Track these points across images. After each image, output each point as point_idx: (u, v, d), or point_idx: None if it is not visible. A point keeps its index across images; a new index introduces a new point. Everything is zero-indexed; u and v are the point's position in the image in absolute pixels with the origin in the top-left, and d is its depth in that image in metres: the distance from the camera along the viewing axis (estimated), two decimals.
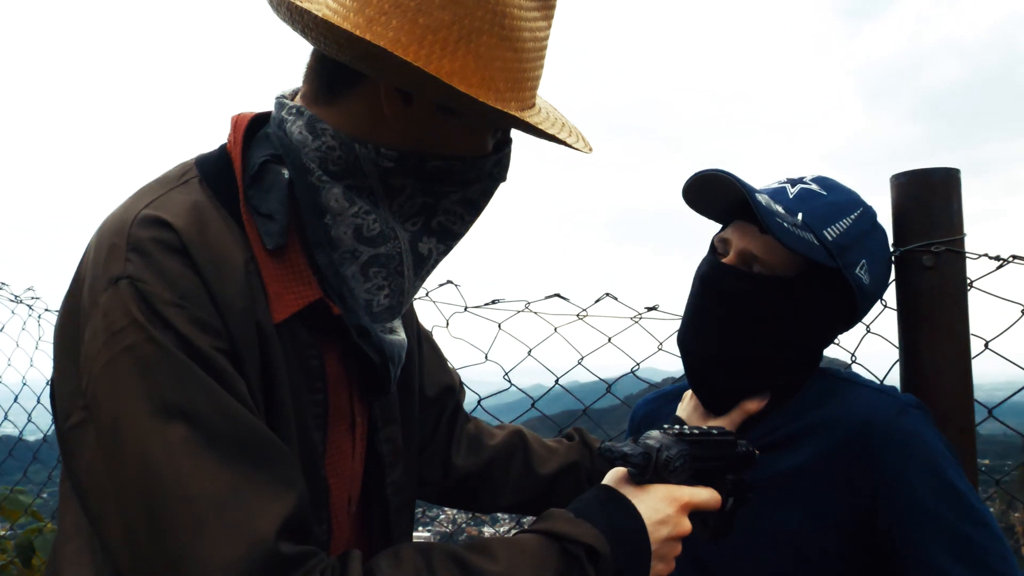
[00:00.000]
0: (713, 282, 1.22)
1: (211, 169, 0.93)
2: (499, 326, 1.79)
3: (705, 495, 1.01)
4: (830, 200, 1.21)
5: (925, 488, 1.08)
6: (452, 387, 1.37)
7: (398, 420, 1.13)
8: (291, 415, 0.89)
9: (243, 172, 0.93)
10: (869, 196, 1.34)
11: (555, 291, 1.72)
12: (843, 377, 1.26)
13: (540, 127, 0.91)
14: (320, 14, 0.82)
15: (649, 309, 1.69)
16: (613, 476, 1.01)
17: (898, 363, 1.38)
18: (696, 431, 1.04)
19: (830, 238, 1.16)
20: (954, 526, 1.06)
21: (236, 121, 0.98)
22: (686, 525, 0.97)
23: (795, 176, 1.26)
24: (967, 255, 1.32)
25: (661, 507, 0.96)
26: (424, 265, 1.01)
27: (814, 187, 1.23)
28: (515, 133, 1.01)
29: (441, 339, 1.84)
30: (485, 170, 0.97)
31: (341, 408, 1.00)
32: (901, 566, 1.09)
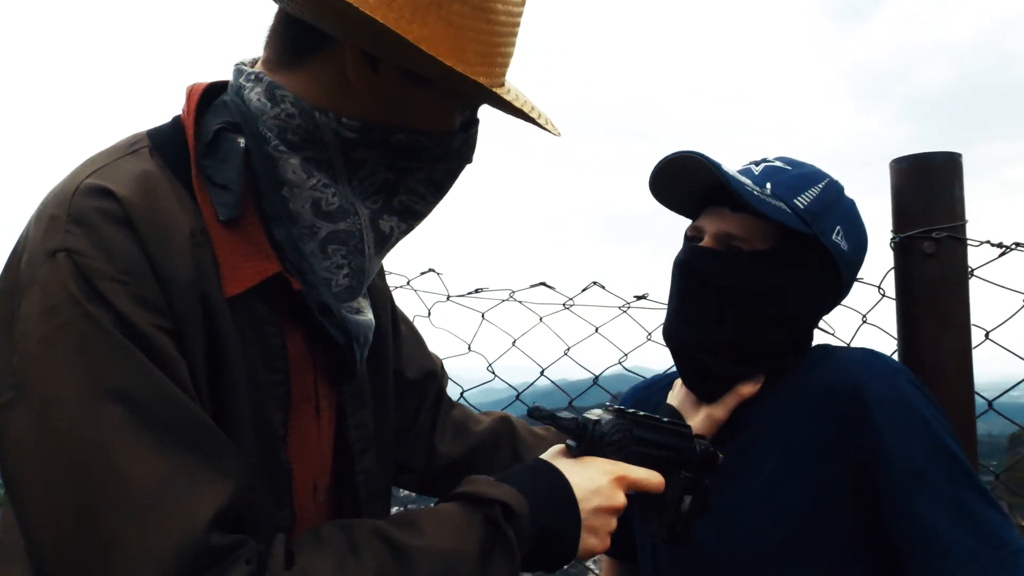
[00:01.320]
0: (692, 267, 1.19)
1: (163, 139, 0.88)
2: (483, 316, 1.73)
3: (644, 474, 0.97)
4: (796, 173, 1.20)
5: (920, 450, 1.05)
6: (434, 371, 1.32)
7: (369, 405, 1.08)
8: (244, 394, 0.85)
9: (197, 141, 0.88)
10: (861, 196, 1.32)
11: (540, 280, 1.67)
12: (829, 346, 1.22)
13: (521, 106, 0.87)
14: None
15: (638, 298, 1.64)
16: (550, 451, 0.98)
17: (896, 353, 1.34)
18: (642, 414, 1.01)
19: (801, 206, 1.15)
20: (951, 489, 1.03)
21: (190, 90, 0.93)
22: (619, 498, 0.94)
23: (759, 158, 1.25)
24: (969, 242, 1.27)
25: (593, 476, 0.93)
26: (386, 244, 0.97)
27: (778, 164, 1.22)
28: (486, 115, 0.97)
29: (423, 329, 1.78)
30: (452, 148, 0.93)
31: (305, 391, 0.95)
32: (900, 530, 1.05)
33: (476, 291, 1.72)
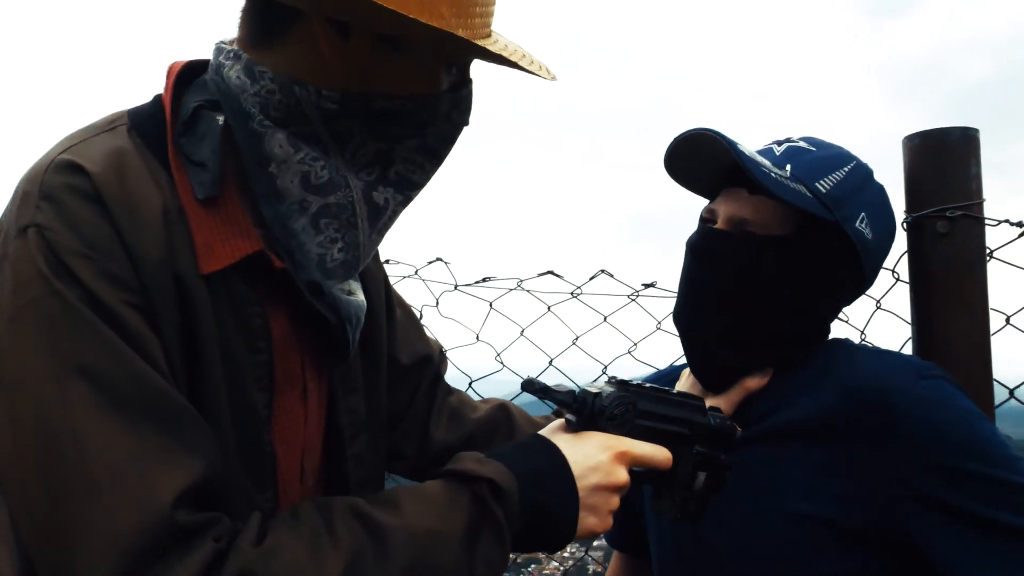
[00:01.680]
0: (705, 249, 1.14)
1: (143, 117, 0.87)
2: (490, 305, 1.71)
3: (649, 449, 0.93)
4: (820, 155, 1.14)
5: (962, 451, 0.99)
6: (430, 356, 1.29)
7: (361, 389, 1.06)
8: (220, 373, 0.83)
9: (175, 119, 0.87)
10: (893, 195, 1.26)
11: (548, 268, 1.63)
12: (847, 343, 1.16)
13: (491, 50, 0.83)
14: None
15: (646, 286, 1.60)
16: (549, 427, 0.95)
17: (910, 340, 1.28)
18: (648, 385, 0.96)
19: (823, 190, 1.09)
20: (998, 478, 0.97)
21: (170, 68, 0.92)
22: (621, 475, 0.90)
23: (782, 138, 1.19)
24: (986, 221, 1.21)
25: (592, 453, 0.90)
26: (380, 216, 0.94)
27: (802, 144, 1.16)
28: (480, 75, 0.94)
29: (431, 319, 1.77)
30: (440, 111, 0.90)
31: (291, 372, 0.94)
32: (937, 536, 0.99)
33: (484, 280, 1.70)
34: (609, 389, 0.94)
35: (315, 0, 0.80)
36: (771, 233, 1.10)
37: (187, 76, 0.92)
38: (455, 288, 1.74)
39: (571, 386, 0.96)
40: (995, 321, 1.28)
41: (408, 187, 0.94)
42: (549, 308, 1.67)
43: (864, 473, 1.03)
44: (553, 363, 1.71)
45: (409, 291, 1.72)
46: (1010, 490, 0.97)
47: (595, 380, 1.69)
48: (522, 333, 1.71)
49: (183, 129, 0.86)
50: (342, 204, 0.90)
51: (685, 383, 1.25)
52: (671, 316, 1.22)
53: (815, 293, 1.11)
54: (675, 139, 1.12)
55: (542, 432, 0.94)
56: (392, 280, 1.64)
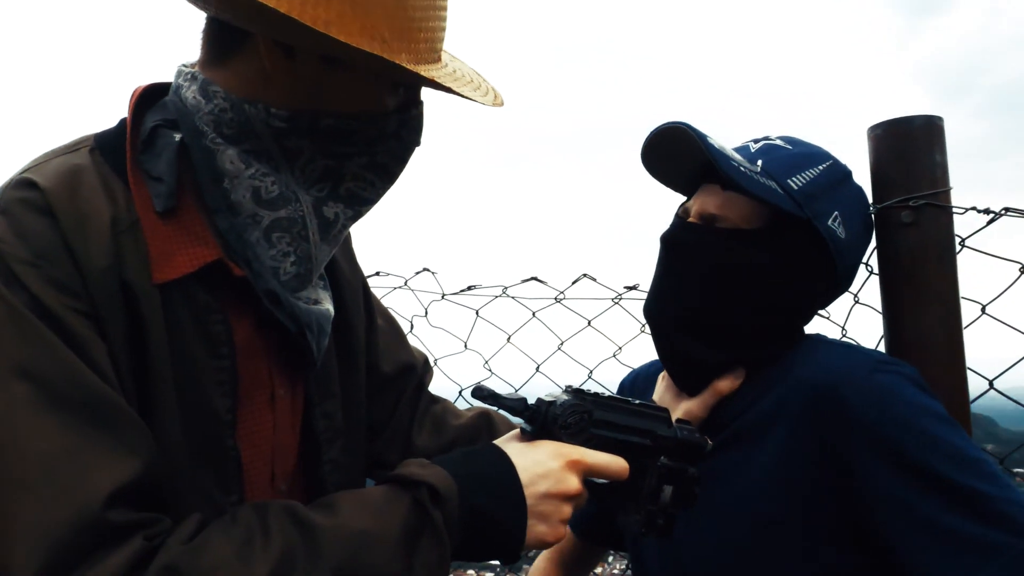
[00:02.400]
0: (675, 241, 1.15)
1: (107, 138, 0.92)
2: (477, 312, 1.72)
3: (603, 458, 0.92)
4: (794, 152, 1.13)
5: (911, 446, 0.96)
6: (412, 365, 1.30)
7: (338, 396, 1.08)
8: (170, 377, 0.85)
9: (134, 138, 0.91)
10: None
11: (532, 275, 1.64)
12: (816, 340, 1.15)
13: (432, 79, 0.86)
14: None
15: (629, 288, 1.59)
16: (506, 436, 0.95)
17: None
18: (607, 395, 0.95)
19: (795, 187, 1.08)
20: (957, 482, 0.94)
21: (134, 92, 0.96)
22: (571, 483, 0.89)
23: (760, 136, 1.19)
24: (953, 209, 1.19)
25: (543, 460, 0.89)
26: (331, 230, 0.96)
27: (778, 142, 1.16)
28: (433, 96, 0.96)
29: (421, 328, 1.78)
30: (388, 130, 0.92)
31: (257, 378, 0.96)
32: (904, 541, 0.96)
33: (469, 288, 1.71)
34: (563, 397, 0.93)
35: (259, 22, 0.83)
36: (742, 227, 1.10)
37: (150, 98, 0.95)
38: (442, 297, 1.75)
39: (559, 392, 0.95)
40: (972, 311, 1.25)
41: (358, 203, 0.97)
42: (534, 314, 1.68)
43: (823, 470, 1.02)
44: (540, 369, 1.71)
45: (399, 302, 1.74)
46: (960, 493, 0.94)
47: (582, 384, 1.69)
48: (508, 340, 1.71)
49: (143, 147, 0.90)
50: (292, 218, 0.92)
51: (660, 385, 1.25)
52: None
53: (783, 289, 1.10)
54: (649, 134, 1.13)
55: (497, 441, 0.94)
56: (382, 291, 1.66)
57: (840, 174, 1.14)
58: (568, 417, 0.91)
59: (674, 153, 1.14)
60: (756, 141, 1.17)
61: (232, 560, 0.75)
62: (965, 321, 1.21)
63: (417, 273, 1.76)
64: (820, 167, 1.12)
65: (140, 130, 0.91)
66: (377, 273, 1.75)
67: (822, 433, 1.02)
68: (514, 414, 0.92)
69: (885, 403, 0.99)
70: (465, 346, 1.73)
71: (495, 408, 0.96)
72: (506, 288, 1.69)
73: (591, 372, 1.66)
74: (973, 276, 1.22)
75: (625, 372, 1.50)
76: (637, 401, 0.98)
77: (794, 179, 1.09)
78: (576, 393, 0.94)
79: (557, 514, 0.89)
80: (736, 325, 1.11)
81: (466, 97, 0.90)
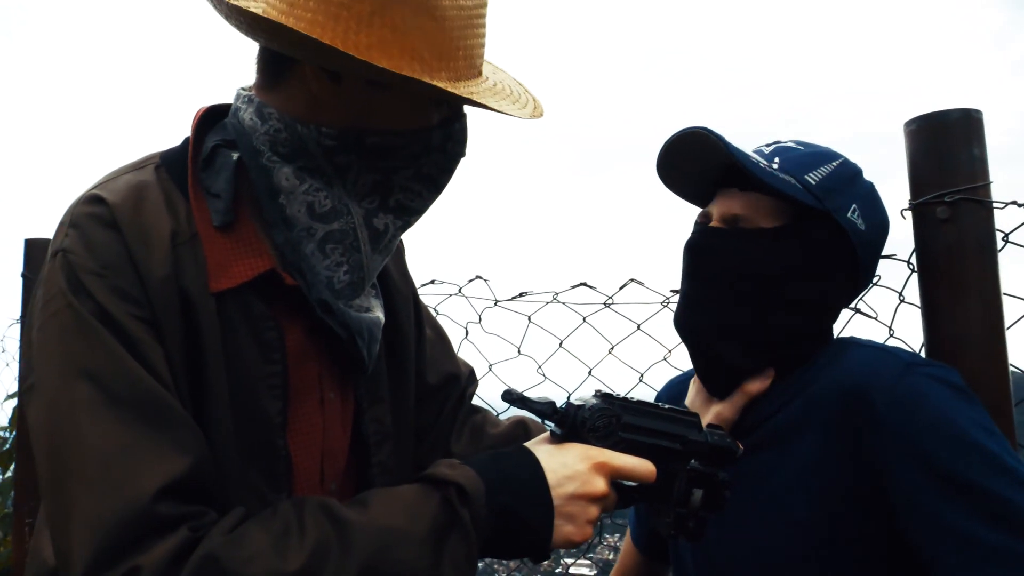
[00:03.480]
0: (697, 247, 1.16)
1: (172, 156, 0.99)
2: (529, 319, 1.75)
3: (631, 461, 0.93)
4: (807, 151, 1.15)
5: (944, 452, 0.94)
6: (457, 376, 1.34)
7: (387, 400, 1.13)
8: (223, 381, 0.91)
9: (196, 156, 0.98)
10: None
11: (581, 280, 1.66)
12: (849, 341, 1.14)
13: (470, 96, 0.90)
14: (245, 6, 0.86)
15: (676, 292, 1.59)
16: (536, 439, 0.97)
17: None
18: (636, 400, 0.96)
19: (813, 181, 1.10)
20: (987, 489, 0.92)
21: (196, 113, 1.04)
22: (598, 485, 0.91)
23: (771, 141, 1.20)
24: (993, 204, 1.16)
25: (570, 462, 0.91)
26: (381, 240, 1.02)
27: (790, 144, 1.17)
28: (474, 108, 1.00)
29: (475, 335, 1.82)
30: (432, 144, 0.97)
31: (307, 382, 1.01)
32: (927, 545, 0.95)
33: (520, 295, 1.74)
34: (592, 401, 0.95)
35: (304, 51, 0.89)
36: (764, 226, 1.11)
37: (211, 118, 1.03)
38: (495, 304, 1.79)
39: (588, 396, 0.97)
40: (1018, 309, 1.21)
41: (407, 213, 1.02)
42: (584, 319, 1.70)
43: (853, 474, 1.01)
44: (592, 373, 1.73)
45: (454, 309, 1.79)
46: (988, 501, 0.91)
47: (631, 389, 1.70)
48: (560, 345, 1.74)
49: (203, 165, 0.98)
50: (345, 230, 0.98)
51: (690, 392, 1.25)
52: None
53: (811, 285, 1.10)
54: (667, 140, 1.14)
55: (527, 444, 0.97)
56: (437, 299, 1.72)
57: (852, 171, 1.14)
58: (596, 421, 0.93)
59: (690, 160, 1.15)
60: (768, 145, 1.18)
61: (268, 551, 0.79)
62: (1010, 319, 1.17)
63: (470, 281, 1.81)
64: (833, 164, 1.13)
65: (201, 149, 0.99)
66: (432, 281, 1.81)
67: (853, 437, 1.01)
68: (543, 417, 0.94)
69: (914, 406, 0.97)
70: (519, 351, 1.77)
71: (529, 415, 0.99)
72: (556, 294, 1.72)
73: (642, 376, 1.67)
74: (1019, 272, 1.18)
75: (674, 374, 1.51)
76: (667, 406, 0.99)
77: (811, 175, 1.10)
78: (605, 397, 0.96)
79: (584, 515, 0.91)
80: (769, 326, 1.11)
81: (501, 112, 0.93)
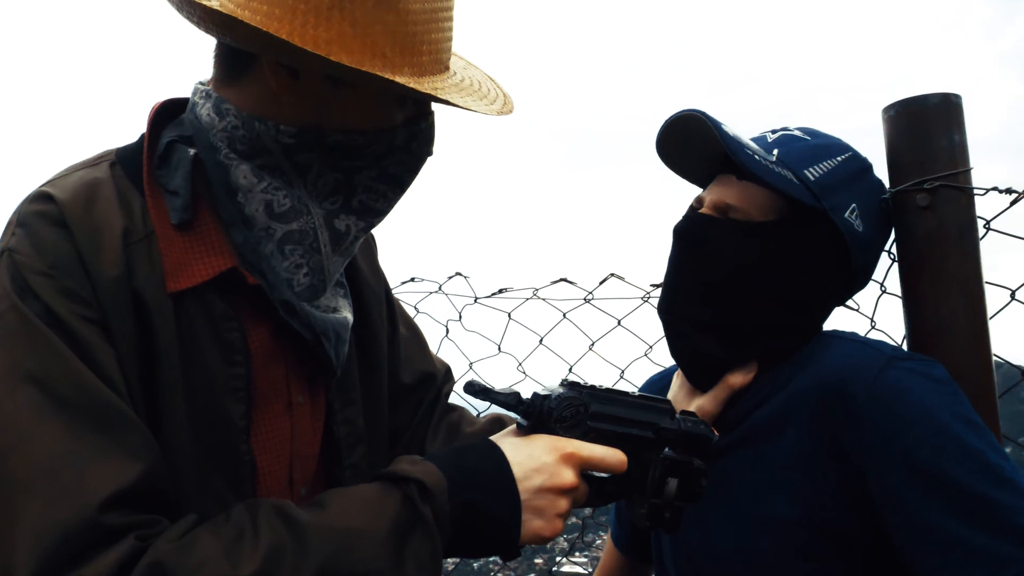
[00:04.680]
0: (687, 234, 1.12)
1: (128, 153, 0.96)
2: (509, 315, 1.72)
3: (599, 451, 0.91)
4: (813, 143, 1.10)
5: (926, 449, 0.92)
6: (433, 374, 1.31)
7: (359, 402, 1.10)
8: (180, 384, 0.88)
9: (151, 152, 0.94)
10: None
11: (561, 276, 1.64)
12: (831, 335, 1.11)
13: (433, 92, 0.87)
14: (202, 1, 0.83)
15: (656, 286, 1.57)
16: (503, 432, 0.94)
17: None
18: (605, 387, 0.94)
19: (811, 177, 1.05)
20: (968, 488, 0.90)
21: (152, 108, 1.00)
22: (566, 477, 0.88)
23: (779, 127, 1.16)
24: (973, 191, 1.13)
25: (537, 454, 0.88)
26: (343, 242, 0.98)
27: (797, 132, 1.13)
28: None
29: (456, 333, 1.80)
30: (397, 143, 0.94)
31: (274, 385, 0.98)
32: (912, 546, 0.92)
33: (500, 291, 1.72)
34: (559, 390, 0.93)
35: (260, 46, 0.86)
36: (754, 219, 1.07)
37: (168, 113, 0.99)
38: (475, 301, 1.77)
39: (555, 386, 0.95)
40: (1001, 298, 1.19)
41: (371, 215, 0.98)
42: (564, 315, 1.67)
43: (834, 471, 0.98)
44: (572, 370, 1.70)
45: (434, 307, 1.76)
46: (970, 500, 0.89)
47: (615, 384, 1.67)
48: (540, 342, 1.71)
49: (159, 162, 0.94)
50: (304, 231, 0.95)
51: (673, 385, 1.23)
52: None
53: (798, 283, 1.07)
54: (664, 123, 1.11)
55: (493, 436, 0.94)
56: (417, 297, 1.69)
57: (859, 167, 1.10)
58: (564, 411, 0.90)
59: (690, 142, 1.12)
60: (774, 132, 1.14)
61: (218, 557, 0.76)
62: (993, 308, 1.15)
63: (450, 278, 1.78)
64: (839, 158, 1.09)
65: (157, 145, 0.95)
66: (412, 279, 1.78)
67: (833, 433, 0.99)
68: (508, 409, 0.92)
69: (894, 401, 0.95)
70: (499, 349, 1.74)
71: (508, 413, 0.96)
72: (537, 290, 1.70)
73: (623, 372, 1.65)
74: (1002, 261, 1.16)
75: (656, 370, 1.48)
76: (638, 393, 0.97)
77: (811, 170, 1.06)
78: (572, 386, 0.93)
79: (553, 508, 0.89)
80: (750, 321, 1.08)
81: (466, 108, 0.91)
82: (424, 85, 0.87)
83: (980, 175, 1.14)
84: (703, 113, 1.05)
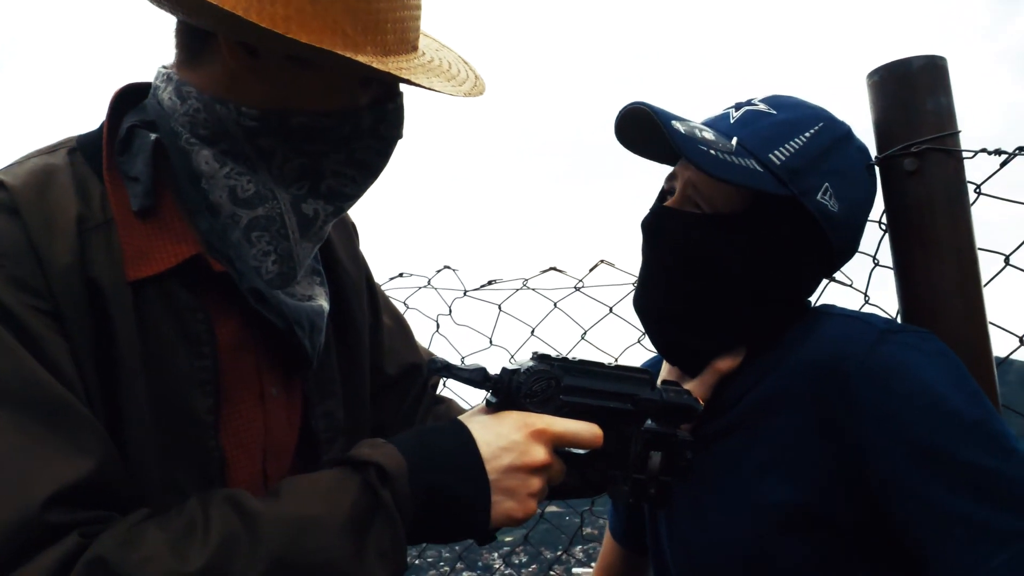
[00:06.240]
0: (654, 229, 1.08)
1: (88, 140, 0.93)
2: (499, 307, 1.70)
3: (572, 426, 0.87)
4: (780, 119, 1.03)
5: (923, 424, 0.88)
6: (419, 366, 1.28)
7: (338, 395, 1.06)
8: (141, 377, 0.85)
9: (112, 138, 0.92)
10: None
11: (551, 265, 1.61)
12: (822, 311, 1.07)
13: (397, 72, 0.84)
14: None
15: None
16: (471, 411, 0.92)
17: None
18: (577, 359, 0.90)
19: (777, 161, 0.99)
20: (970, 462, 0.86)
21: (114, 92, 0.97)
22: (537, 454, 0.85)
23: (744, 100, 1.09)
24: (962, 153, 1.09)
25: (506, 432, 0.85)
26: (311, 226, 0.95)
27: (762, 107, 1.06)
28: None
29: (447, 327, 1.77)
30: (363, 126, 0.91)
31: (244, 377, 0.95)
32: (914, 525, 0.89)
33: (489, 283, 1.69)
34: (530, 364, 0.89)
35: (214, 23, 0.83)
36: (721, 211, 1.02)
37: (130, 98, 0.97)
38: (464, 294, 1.74)
39: (525, 360, 0.92)
40: (995, 264, 1.15)
41: (340, 199, 0.95)
42: (555, 304, 1.64)
43: (829, 452, 0.95)
44: None
45: (423, 302, 1.74)
46: (973, 474, 0.85)
47: None
48: (532, 333, 1.69)
49: (120, 148, 0.91)
50: (271, 216, 0.92)
51: (665, 369, 1.20)
52: None
53: (774, 274, 1.03)
54: (616, 118, 1.07)
55: (461, 416, 0.91)
56: (406, 293, 1.66)
57: (831, 138, 1.03)
58: (533, 385, 0.87)
59: (645, 133, 1.07)
60: (738, 107, 1.07)
61: (165, 552, 0.74)
62: (987, 275, 1.11)
63: (439, 271, 1.76)
64: (807, 134, 1.02)
65: (118, 130, 0.92)
66: (400, 275, 1.76)
67: (827, 414, 0.95)
68: (474, 386, 0.88)
69: (889, 376, 0.91)
70: (490, 342, 1.71)
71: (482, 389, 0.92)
72: (526, 280, 1.67)
73: (616, 360, 1.61)
74: (995, 226, 1.12)
75: (648, 356, 1.45)
76: (614, 364, 0.93)
77: (777, 152, 1.00)
78: (542, 359, 0.89)
79: (524, 488, 0.85)
80: (726, 314, 1.04)
81: (431, 89, 0.87)
82: (388, 65, 0.84)
83: (969, 139, 1.10)
84: (650, 106, 0.99)
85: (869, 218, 1.11)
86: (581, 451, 0.89)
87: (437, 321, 1.78)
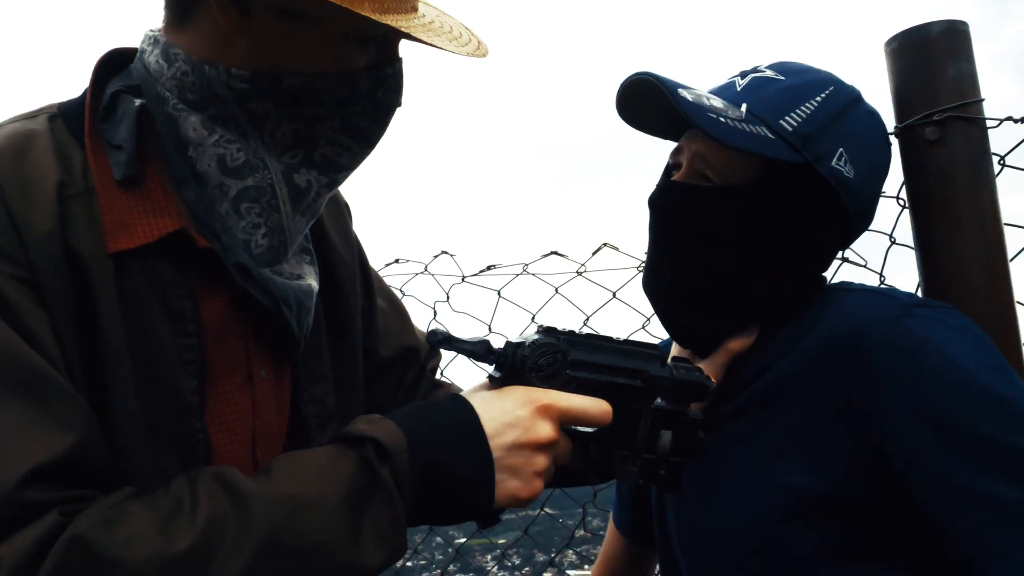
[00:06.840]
0: (662, 205, 1.03)
1: (71, 106, 0.89)
2: (498, 293, 1.65)
3: (579, 401, 0.83)
4: (788, 84, 0.99)
5: (949, 401, 0.83)
6: (415, 349, 1.23)
7: (328, 380, 1.02)
8: (125, 352, 0.81)
9: (94, 105, 0.87)
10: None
11: (552, 249, 1.57)
12: (841, 287, 1.02)
13: (398, 28, 0.79)
14: None
15: None
16: (474, 386, 0.88)
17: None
18: (585, 333, 0.86)
19: (789, 128, 0.95)
20: (1000, 441, 0.81)
21: (100, 57, 0.93)
22: (543, 431, 0.81)
23: (749, 68, 1.05)
24: (986, 121, 1.05)
25: (510, 408, 0.81)
26: (304, 198, 0.91)
27: (769, 73, 1.01)
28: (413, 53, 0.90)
29: (444, 314, 1.73)
30: (360, 90, 0.87)
31: (229, 358, 0.91)
32: (936, 506, 0.84)
33: (488, 268, 1.64)
34: (535, 337, 0.85)
35: None
36: (732, 182, 0.98)
37: (116, 63, 0.92)
38: (463, 280, 1.69)
39: (531, 333, 0.88)
40: (1021, 239, 1.11)
41: (334, 169, 0.91)
42: (556, 290, 1.60)
43: (849, 434, 0.90)
44: None
45: (420, 288, 1.69)
46: (1003, 453, 0.81)
47: None
48: (533, 319, 1.64)
49: (104, 114, 0.87)
50: (261, 187, 0.88)
51: (675, 350, 1.15)
52: None
53: (788, 247, 0.98)
54: (619, 89, 1.02)
55: (464, 392, 0.87)
56: (402, 279, 1.61)
57: (843, 102, 0.99)
58: (539, 359, 0.83)
59: (649, 105, 1.02)
60: (744, 75, 1.03)
61: (150, 531, 0.70)
62: (1014, 248, 1.07)
63: (435, 257, 1.71)
64: (818, 99, 0.98)
65: (102, 96, 0.88)
66: (396, 260, 1.71)
67: (847, 393, 0.90)
68: (477, 360, 0.84)
69: (913, 353, 0.86)
70: (489, 329, 1.67)
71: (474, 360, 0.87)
72: (526, 265, 1.62)
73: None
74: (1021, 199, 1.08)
75: (653, 342, 1.40)
76: (623, 339, 0.89)
77: (788, 119, 0.96)
78: (548, 332, 0.85)
79: (529, 466, 0.81)
80: (740, 291, 0.99)
81: (434, 46, 0.83)
82: (388, 20, 0.80)
83: (993, 106, 1.06)
84: (656, 76, 0.95)
85: (885, 193, 1.06)
86: (589, 429, 0.85)
87: (434, 308, 1.74)
